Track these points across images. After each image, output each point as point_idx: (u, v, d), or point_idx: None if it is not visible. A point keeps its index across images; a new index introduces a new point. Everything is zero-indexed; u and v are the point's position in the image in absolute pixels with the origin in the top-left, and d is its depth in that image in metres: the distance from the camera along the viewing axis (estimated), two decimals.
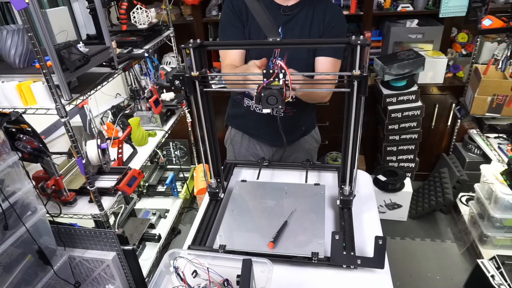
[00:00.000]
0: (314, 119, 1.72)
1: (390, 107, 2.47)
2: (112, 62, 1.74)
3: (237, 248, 1.03)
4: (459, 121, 2.67)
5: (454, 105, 2.60)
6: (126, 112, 2.30)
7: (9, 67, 1.53)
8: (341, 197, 1.16)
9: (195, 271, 0.92)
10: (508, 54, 1.80)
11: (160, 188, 2.90)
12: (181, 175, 2.98)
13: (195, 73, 1.01)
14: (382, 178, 2.50)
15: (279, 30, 1.40)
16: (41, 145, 1.36)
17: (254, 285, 0.87)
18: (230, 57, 1.44)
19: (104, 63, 1.72)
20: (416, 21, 2.59)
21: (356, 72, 0.93)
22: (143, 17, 2.18)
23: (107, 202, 1.63)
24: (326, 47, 1.41)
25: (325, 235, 1.06)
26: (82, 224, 1.48)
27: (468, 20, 1.99)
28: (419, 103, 2.46)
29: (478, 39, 2.43)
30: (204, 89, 1.07)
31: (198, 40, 1.01)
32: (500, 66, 1.86)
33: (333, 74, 1.13)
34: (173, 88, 1.04)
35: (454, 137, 2.77)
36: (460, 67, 2.64)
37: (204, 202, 1.31)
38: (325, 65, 1.42)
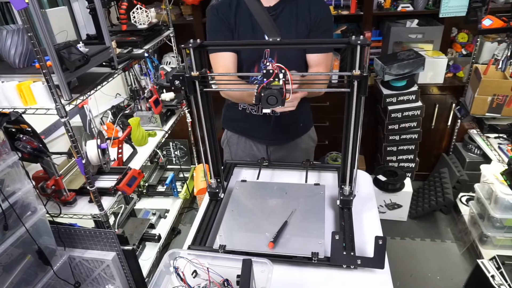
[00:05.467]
0: (310, 116, 1.71)
1: (390, 107, 2.47)
2: (112, 62, 1.74)
3: (237, 248, 1.03)
4: (459, 121, 2.67)
5: (454, 105, 2.60)
6: (126, 112, 2.30)
7: (9, 67, 1.53)
8: (341, 197, 1.16)
9: (195, 271, 0.92)
10: (508, 54, 1.80)
11: (160, 188, 2.90)
12: (181, 175, 2.98)
13: (195, 73, 1.01)
14: (382, 178, 2.50)
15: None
16: (41, 145, 1.36)
17: (254, 285, 0.87)
18: (223, 63, 1.42)
19: (104, 63, 1.72)
20: (416, 21, 2.59)
21: (356, 72, 0.93)
22: (143, 17, 2.18)
23: (107, 202, 1.63)
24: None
25: (325, 235, 1.06)
26: (82, 224, 1.48)
27: (468, 20, 1.99)
28: (419, 103, 2.46)
29: (478, 39, 2.43)
30: (204, 89, 1.07)
31: (198, 40, 1.01)
32: (500, 66, 1.86)
33: (333, 74, 1.13)
34: (173, 88, 1.04)
35: (454, 137, 2.77)
36: (460, 67, 2.64)
37: (204, 202, 1.31)
38: (317, 61, 1.43)
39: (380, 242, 0.95)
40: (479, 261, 1.82)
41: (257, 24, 1.39)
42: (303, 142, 1.69)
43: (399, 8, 2.51)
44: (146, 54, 2.02)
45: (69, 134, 1.41)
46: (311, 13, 1.39)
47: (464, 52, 2.70)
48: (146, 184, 2.85)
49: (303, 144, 1.69)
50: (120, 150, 1.89)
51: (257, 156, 1.65)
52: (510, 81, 2.13)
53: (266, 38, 1.39)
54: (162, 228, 2.53)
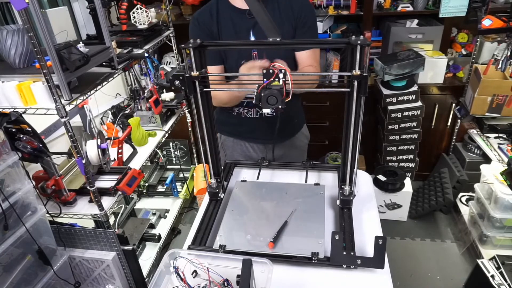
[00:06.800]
0: (302, 111, 1.72)
1: (390, 107, 2.47)
2: (112, 62, 1.74)
3: (237, 248, 1.03)
4: (459, 121, 2.67)
5: (454, 105, 2.60)
6: (126, 112, 2.30)
7: (9, 67, 1.53)
8: (341, 197, 1.16)
9: (195, 271, 0.92)
10: (508, 54, 1.80)
11: (160, 188, 2.90)
12: (181, 175, 2.98)
13: (195, 73, 1.01)
14: (382, 178, 2.50)
15: (250, 34, 1.40)
16: (41, 145, 1.36)
17: (254, 285, 0.87)
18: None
19: (104, 63, 1.72)
20: (416, 21, 2.59)
21: (356, 72, 0.93)
22: (143, 17, 2.18)
23: (107, 202, 1.63)
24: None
25: (325, 235, 1.05)
26: (82, 224, 1.47)
27: (468, 20, 1.99)
28: (419, 103, 2.46)
29: (478, 39, 2.43)
30: (204, 89, 1.07)
31: (198, 40, 1.01)
32: (500, 66, 1.86)
33: (333, 74, 1.13)
34: (173, 88, 1.04)
35: (454, 137, 2.77)
36: (460, 67, 2.64)
37: (204, 202, 1.31)
38: (307, 57, 1.44)
39: (380, 242, 0.95)
40: (479, 261, 1.82)
41: (239, 28, 1.40)
42: (297, 140, 1.70)
43: (399, 8, 2.51)
44: (146, 54, 2.02)
45: (69, 134, 1.41)
46: (294, 10, 1.39)
47: (464, 52, 2.70)
48: (146, 184, 2.85)
49: (298, 142, 1.70)
50: (120, 150, 1.89)
51: (253, 158, 1.65)
52: (510, 81, 2.13)
53: (252, 39, 1.39)
54: (162, 228, 2.53)
